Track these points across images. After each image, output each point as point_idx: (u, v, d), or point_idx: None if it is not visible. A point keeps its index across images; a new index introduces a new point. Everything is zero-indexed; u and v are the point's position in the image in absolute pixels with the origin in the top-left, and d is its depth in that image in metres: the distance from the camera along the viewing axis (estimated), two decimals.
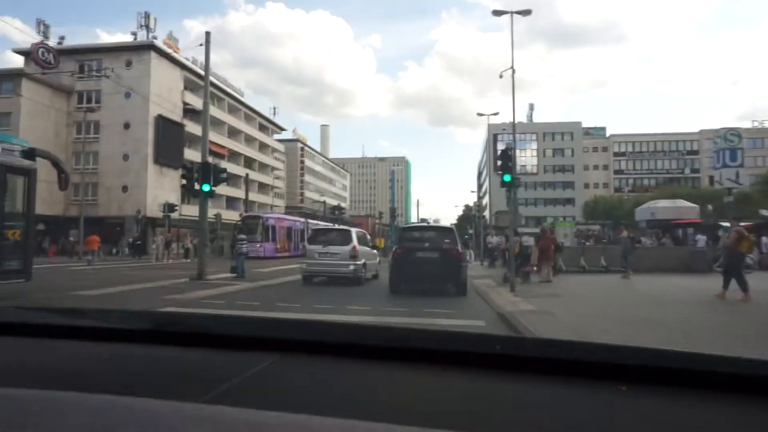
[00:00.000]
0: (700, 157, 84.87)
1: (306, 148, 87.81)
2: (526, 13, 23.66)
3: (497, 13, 27.22)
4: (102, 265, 24.72)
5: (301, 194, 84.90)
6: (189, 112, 50.54)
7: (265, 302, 10.12)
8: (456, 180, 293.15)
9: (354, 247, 14.63)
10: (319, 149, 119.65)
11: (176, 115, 47.53)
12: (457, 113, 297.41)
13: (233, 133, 60.84)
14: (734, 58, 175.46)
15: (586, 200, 79.67)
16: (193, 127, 51.01)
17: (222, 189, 56.01)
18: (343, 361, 1.07)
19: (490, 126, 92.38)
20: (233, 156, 60.34)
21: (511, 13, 27.01)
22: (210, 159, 54.30)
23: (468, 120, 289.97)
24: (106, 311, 1.62)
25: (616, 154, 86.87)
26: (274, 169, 72.70)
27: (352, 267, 14.34)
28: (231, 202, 57.52)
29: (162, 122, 44.70)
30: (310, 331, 1.26)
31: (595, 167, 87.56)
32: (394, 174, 59.61)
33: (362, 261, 14.89)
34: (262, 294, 11.84)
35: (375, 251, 19.11)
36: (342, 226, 22.53)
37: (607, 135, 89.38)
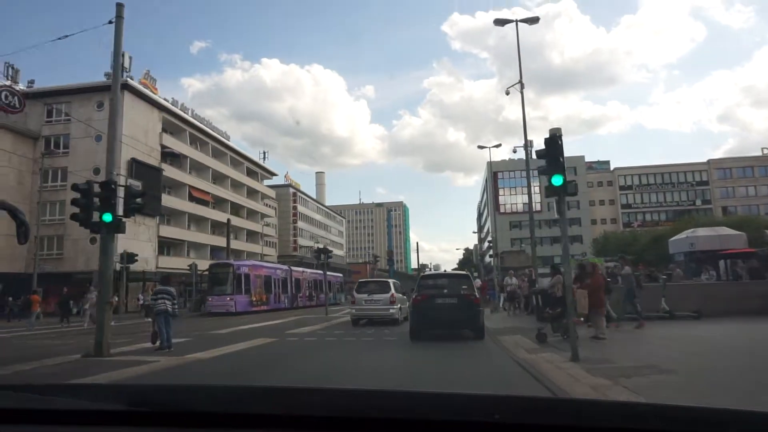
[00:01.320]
0: (711, 187, 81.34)
1: (299, 193, 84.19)
2: (533, 21, 23.83)
3: (499, 22, 24.14)
4: (39, 329, 20.26)
5: (294, 242, 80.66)
6: (168, 155, 47.04)
7: None
8: (454, 224, 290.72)
9: (392, 294, 17.74)
10: (314, 197, 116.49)
11: (153, 159, 43.88)
12: (452, 159, 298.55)
13: (218, 178, 57.22)
14: (720, 95, 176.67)
15: (594, 237, 75.50)
16: (173, 172, 47.42)
17: (205, 238, 51.99)
18: None
19: (489, 164, 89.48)
20: (219, 202, 56.48)
21: (516, 21, 24.42)
22: (193, 205, 50.09)
23: (464, 165, 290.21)
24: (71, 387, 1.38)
25: (622, 188, 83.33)
26: (264, 216, 68.74)
27: (391, 311, 17.25)
28: (216, 252, 53.17)
29: (136, 166, 40.96)
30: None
31: (601, 202, 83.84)
32: (391, 215, 55.48)
33: (398, 305, 17.75)
34: (184, 377, 7.48)
35: (405, 296, 20.24)
36: (381, 279, 23.96)
37: (611, 168, 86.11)
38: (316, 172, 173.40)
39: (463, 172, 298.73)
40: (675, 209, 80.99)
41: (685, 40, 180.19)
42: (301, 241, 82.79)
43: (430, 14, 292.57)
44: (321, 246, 41.24)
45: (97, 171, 40.50)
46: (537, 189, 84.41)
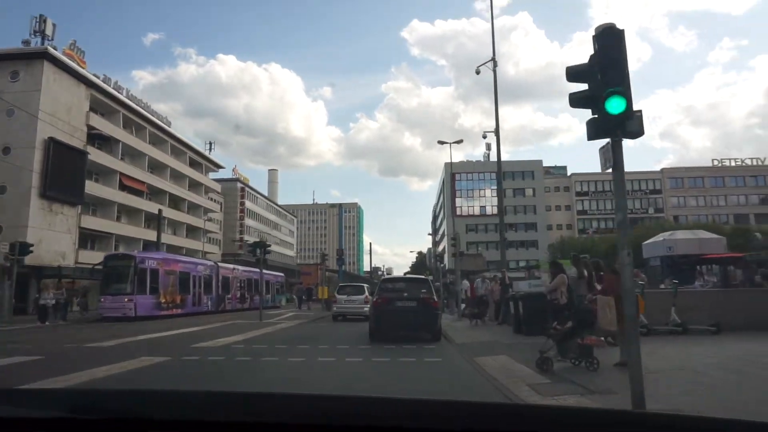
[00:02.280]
0: (663, 196, 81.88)
1: (248, 189, 79.52)
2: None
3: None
4: None
5: (241, 239, 75.92)
6: (96, 138, 42.07)
7: None
8: (408, 229, 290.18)
9: (366, 297, 20.90)
10: (267, 195, 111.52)
11: (78, 140, 38.91)
12: (407, 163, 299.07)
13: (156, 167, 52.31)
14: (662, 113, 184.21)
15: (550, 242, 74.45)
16: (101, 157, 42.46)
17: (136, 231, 47.07)
18: None
19: (449, 165, 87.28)
20: (155, 193, 51.58)
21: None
22: (124, 194, 45.09)
23: (418, 170, 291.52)
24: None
25: (578, 194, 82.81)
26: (207, 210, 64.00)
27: (365, 309, 18.20)
28: (150, 248, 48.35)
29: (55, 147, 35.97)
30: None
31: (558, 208, 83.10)
32: (342, 210, 51.96)
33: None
34: None
35: None
36: (358, 283, 26.19)
37: (568, 174, 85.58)
38: (269, 170, 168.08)
39: (418, 176, 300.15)
40: (629, 216, 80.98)
41: (632, 60, 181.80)
42: (249, 239, 78.09)
43: (391, 19, 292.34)
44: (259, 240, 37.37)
45: (6, 150, 35.44)
46: (495, 192, 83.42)
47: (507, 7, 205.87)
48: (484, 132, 22.69)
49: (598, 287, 8.26)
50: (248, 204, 79.40)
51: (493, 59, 21.30)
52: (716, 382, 6.13)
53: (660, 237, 24.67)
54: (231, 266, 36.17)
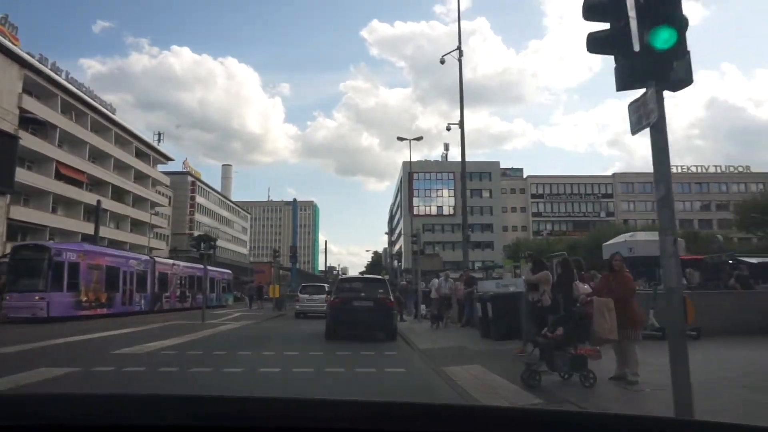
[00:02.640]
0: (615, 200, 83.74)
1: (199, 183, 76.34)
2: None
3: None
4: None
5: (190, 236, 72.69)
6: (30, 122, 38.89)
7: None
8: (364, 229, 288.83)
9: (327, 296, 20.96)
10: (220, 190, 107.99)
11: (8, 124, 35.70)
12: (364, 163, 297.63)
13: (99, 156, 49.12)
14: (611, 122, 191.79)
15: (505, 244, 74.88)
16: (36, 143, 39.29)
17: (75, 224, 43.96)
18: None
19: (405, 164, 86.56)
20: (97, 184, 48.43)
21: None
22: (61, 184, 41.84)
23: (375, 170, 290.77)
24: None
25: (533, 196, 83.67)
26: (154, 204, 60.84)
27: (325, 307, 16.59)
28: (89, 242, 45.32)
29: None
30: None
31: (513, 209, 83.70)
32: (296, 206, 50.32)
33: None
34: None
35: None
36: (319, 283, 27.08)
37: (524, 176, 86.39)
38: (223, 165, 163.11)
39: (375, 177, 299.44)
40: (581, 220, 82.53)
41: (584, 69, 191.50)
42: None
43: (350, 19, 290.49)
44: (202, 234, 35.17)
45: None
46: (452, 192, 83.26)
47: (466, 12, 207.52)
48: (449, 124, 21.69)
49: (585, 287, 7.24)
50: (199, 199, 76.27)
51: (459, 48, 20.34)
52: (736, 399, 5.16)
53: (621, 238, 24.36)
54: (170, 261, 33.34)
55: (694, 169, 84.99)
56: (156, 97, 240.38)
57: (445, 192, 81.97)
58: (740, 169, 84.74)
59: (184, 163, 75.05)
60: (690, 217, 79.97)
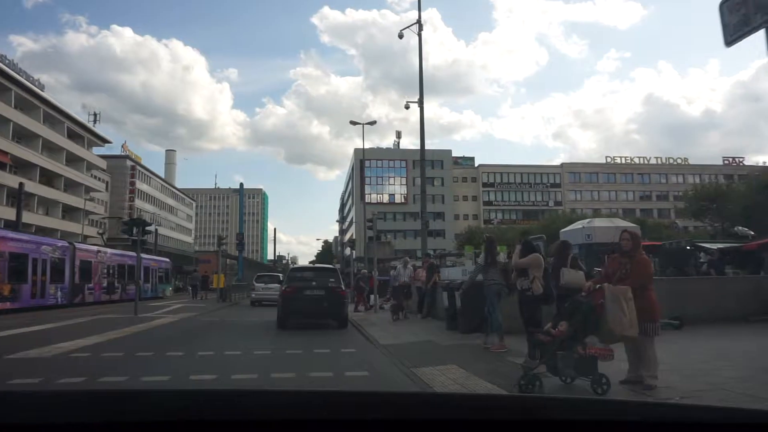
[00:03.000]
0: (563, 189, 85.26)
1: (139, 168, 72.18)
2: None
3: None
4: None
5: None
6: None
7: None
8: (314, 217, 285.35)
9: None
10: (163, 176, 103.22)
11: None
12: (315, 152, 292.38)
13: (25, 136, 45.19)
14: (556, 115, 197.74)
15: (456, 232, 74.92)
16: None
17: None
18: None
19: (356, 151, 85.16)
20: (23, 167, 44.56)
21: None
22: None
23: (326, 158, 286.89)
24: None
25: (485, 185, 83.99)
26: (90, 189, 56.95)
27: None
28: (12, 229, 41.61)
29: None
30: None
31: (465, 198, 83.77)
32: (242, 191, 48.08)
33: None
34: None
35: None
36: (275, 273, 27.87)
37: (476, 165, 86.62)
38: (166, 150, 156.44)
39: (326, 165, 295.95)
40: (531, 209, 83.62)
41: (531, 63, 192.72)
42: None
43: (301, 4, 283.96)
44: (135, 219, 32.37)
45: None
46: (404, 180, 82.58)
47: (416, 1, 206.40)
48: (407, 102, 20.51)
49: (580, 273, 6.20)
50: (140, 184, 72.20)
51: (419, 21, 19.17)
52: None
53: (579, 224, 23.97)
54: (94, 248, 29.78)
55: (637, 161, 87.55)
56: (95, 78, 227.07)
57: (397, 180, 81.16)
58: (679, 161, 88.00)
59: (123, 146, 70.98)
60: (633, 207, 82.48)
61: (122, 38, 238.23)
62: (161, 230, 77.63)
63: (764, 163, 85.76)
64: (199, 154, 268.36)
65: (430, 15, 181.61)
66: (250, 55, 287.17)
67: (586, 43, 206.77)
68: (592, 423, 1.02)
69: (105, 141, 61.59)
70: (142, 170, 74.20)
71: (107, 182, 64.98)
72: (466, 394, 1.17)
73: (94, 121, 59.72)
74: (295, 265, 32.69)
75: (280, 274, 26.52)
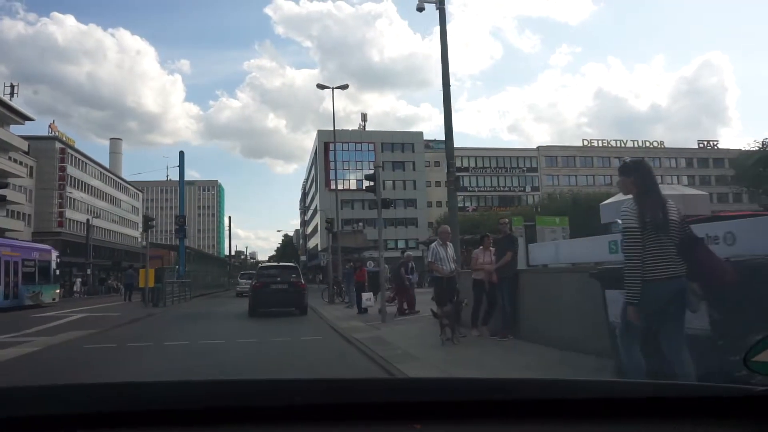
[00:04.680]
0: (539, 174, 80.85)
1: (71, 151, 63.22)
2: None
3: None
4: None
5: (60, 215, 60.16)
6: None
7: None
8: (273, 212, 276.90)
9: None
10: (108, 167, 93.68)
11: None
12: (271, 145, 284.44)
13: None
14: (510, 108, 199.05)
15: (430, 221, 69.42)
16: None
17: None
18: None
19: (320, 133, 78.25)
20: None
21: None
22: None
23: (283, 152, 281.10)
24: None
25: (459, 170, 78.36)
26: (7, 175, 48.26)
27: None
28: None
29: None
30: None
31: (437, 183, 78.09)
32: (183, 157, 40.27)
33: None
34: None
35: None
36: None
37: None
38: (111, 139, 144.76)
39: (283, 159, 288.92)
40: (507, 194, 78.90)
41: (486, 57, 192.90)
42: (73, 215, 62.41)
43: None
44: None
45: None
46: (373, 165, 76.44)
47: None
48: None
49: None
50: (72, 171, 63.33)
51: None
52: None
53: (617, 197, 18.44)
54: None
55: (614, 143, 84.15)
56: (36, 69, 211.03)
57: (366, 165, 74.81)
58: (655, 143, 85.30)
59: (50, 126, 61.83)
60: (613, 191, 78.89)
61: (64, 26, 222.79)
62: (100, 223, 68.98)
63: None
64: (152, 147, 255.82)
65: (385, 8, 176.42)
66: (201, 46, 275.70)
67: (539, 38, 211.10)
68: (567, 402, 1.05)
69: (26, 118, 52.87)
70: (76, 155, 65.29)
71: (31, 167, 56.19)
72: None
73: (11, 94, 50.99)
74: (263, 264, 34.66)
75: (294, 264, 26.27)
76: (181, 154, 32.09)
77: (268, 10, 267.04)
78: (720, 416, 1.02)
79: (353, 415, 1.01)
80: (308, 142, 70.87)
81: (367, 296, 13.72)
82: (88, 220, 52.37)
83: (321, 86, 34.93)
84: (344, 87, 35.45)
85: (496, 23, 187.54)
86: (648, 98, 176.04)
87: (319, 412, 1.03)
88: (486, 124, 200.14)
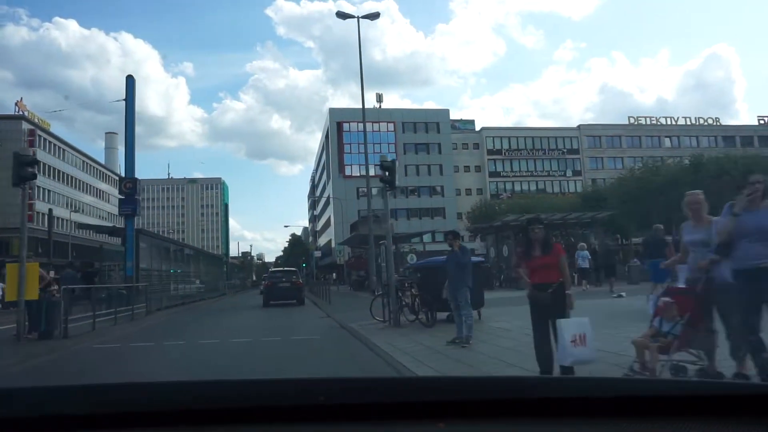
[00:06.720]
0: (581, 156, 70.95)
1: (41, 133, 54.22)
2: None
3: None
4: None
5: (30, 207, 51.05)
6: None
7: None
8: (278, 213, 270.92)
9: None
10: (103, 163, 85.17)
11: None
12: (276, 146, 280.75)
13: None
14: (515, 105, 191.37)
15: (462, 210, 59.80)
16: None
17: None
18: None
19: (332, 111, 68.83)
20: None
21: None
22: None
23: (288, 153, 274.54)
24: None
25: (490, 152, 68.84)
26: None
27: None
28: None
29: None
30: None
31: (467, 169, 68.54)
32: (131, 87, 29.88)
33: None
34: None
35: None
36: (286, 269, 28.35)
37: (478, 129, 71.49)
38: (106, 133, 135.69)
39: (288, 160, 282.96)
40: (546, 179, 69.18)
41: (489, 53, 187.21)
42: (44, 207, 53.33)
43: None
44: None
45: None
46: (392, 148, 66.92)
47: None
48: None
49: None
50: (43, 155, 54.30)
51: None
52: None
53: None
54: None
55: (663, 122, 74.22)
56: (40, 75, 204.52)
57: (384, 147, 65.20)
58: (710, 121, 75.19)
59: (17, 103, 52.74)
60: None
61: (67, 32, 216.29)
62: (80, 218, 60.13)
63: None
64: (157, 151, 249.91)
65: (386, 6, 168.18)
66: (204, 49, 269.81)
67: (543, 33, 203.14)
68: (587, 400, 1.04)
69: None
70: (49, 138, 56.29)
71: None
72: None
73: None
74: (272, 269, 42.54)
75: (294, 269, 28.36)
76: (129, 78, 20.44)
77: (269, 12, 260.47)
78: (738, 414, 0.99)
79: (376, 415, 1.02)
80: (313, 143, 64.69)
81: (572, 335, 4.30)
82: (50, 210, 43.33)
83: (342, 14, 26.15)
84: (374, 16, 26.69)
85: (498, 20, 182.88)
86: (654, 92, 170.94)
87: (343, 411, 1.03)
88: (490, 122, 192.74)
